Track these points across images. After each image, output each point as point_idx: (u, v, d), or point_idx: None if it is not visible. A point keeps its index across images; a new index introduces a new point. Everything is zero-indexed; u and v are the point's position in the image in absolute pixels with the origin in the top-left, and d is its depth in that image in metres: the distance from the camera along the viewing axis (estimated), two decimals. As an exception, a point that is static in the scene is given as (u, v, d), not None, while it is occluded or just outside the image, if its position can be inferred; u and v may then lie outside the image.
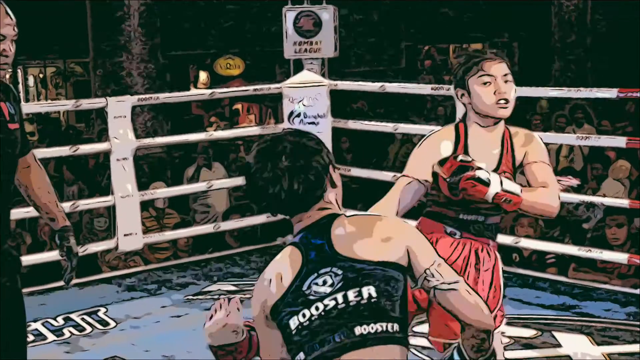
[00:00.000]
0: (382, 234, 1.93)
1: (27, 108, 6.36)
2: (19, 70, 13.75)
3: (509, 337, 4.15)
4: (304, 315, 1.86)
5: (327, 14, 6.40)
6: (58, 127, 12.40)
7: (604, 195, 6.28)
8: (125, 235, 5.46)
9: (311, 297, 1.86)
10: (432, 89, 6.16)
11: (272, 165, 1.92)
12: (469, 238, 2.76)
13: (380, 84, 6.12)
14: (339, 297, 1.85)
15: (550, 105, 9.94)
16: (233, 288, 5.33)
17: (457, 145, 2.77)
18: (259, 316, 1.95)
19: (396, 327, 1.86)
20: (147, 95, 6.60)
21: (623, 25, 11.94)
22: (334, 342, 1.83)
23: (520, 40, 13.95)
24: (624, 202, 5.40)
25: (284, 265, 1.93)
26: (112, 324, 4.73)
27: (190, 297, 5.17)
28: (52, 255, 5.64)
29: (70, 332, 4.62)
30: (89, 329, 4.66)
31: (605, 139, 6.22)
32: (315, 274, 1.88)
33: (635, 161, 7.52)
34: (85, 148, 6.19)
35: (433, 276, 1.95)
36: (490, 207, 2.74)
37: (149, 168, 8.23)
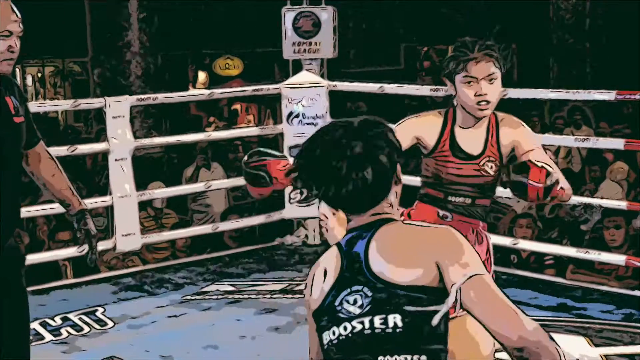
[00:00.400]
0: (421, 250, 1.80)
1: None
2: (17, 70, 13.75)
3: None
4: (333, 333, 1.82)
5: (326, 15, 6.40)
6: (56, 126, 12.40)
7: (602, 197, 6.28)
8: (123, 235, 5.46)
9: (341, 315, 1.81)
10: (431, 90, 6.16)
11: (341, 154, 1.81)
12: (461, 220, 2.85)
13: (379, 85, 6.12)
14: (366, 321, 1.79)
15: (549, 107, 9.94)
16: (231, 288, 5.33)
17: (444, 128, 2.88)
18: (308, 312, 1.92)
19: (423, 358, 1.76)
20: (146, 96, 6.59)
21: (622, 27, 11.94)
22: None
23: (519, 42, 13.96)
24: (622, 204, 5.41)
25: (329, 267, 1.87)
26: (110, 324, 4.72)
27: (189, 297, 5.17)
28: (50, 255, 5.65)
29: (68, 332, 4.62)
30: (86, 328, 4.66)
31: (604, 141, 6.22)
32: (348, 290, 1.82)
33: (633, 163, 7.53)
34: (84, 148, 6.19)
35: (451, 298, 1.77)
36: (477, 190, 2.86)
37: (148, 168, 8.22)
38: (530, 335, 1.68)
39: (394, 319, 1.76)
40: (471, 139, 2.85)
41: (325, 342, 1.83)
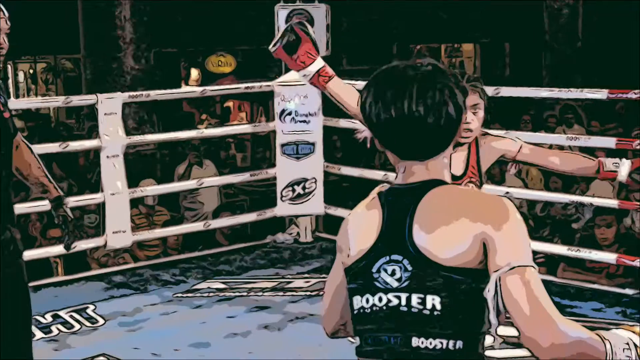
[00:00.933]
0: (469, 223, 1.67)
1: (17, 104, 6.35)
2: (8, 66, 13.69)
3: (499, 336, 4.16)
4: (367, 301, 1.73)
5: (319, 13, 6.39)
6: (48, 123, 12.37)
7: (594, 196, 6.30)
8: (114, 232, 5.45)
9: (377, 284, 1.72)
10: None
11: (406, 93, 1.70)
12: None
13: (371, 82, 6.12)
14: (403, 298, 1.69)
15: (541, 106, 9.96)
16: (223, 286, 5.32)
17: None
18: (338, 257, 1.86)
19: (459, 344, 1.67)
20: (138, 92, 6.58)
21: (614, 26, 11.97)
22: (389, 344, 1.71)
23: (512, 41, 13.97)
24: (613, 203, 5.42)
25: (368, 222, 1.76)
26: (101, 321, 4.72)
27: (180, 294, 5.16)
28: (42, 252, 5.64)
29: (58, 329, 4.61)
30: (77, 326, 4.65)
31: (595, 140, 6.24)
32: (387, 258, 1.71)
33: (625, 162, 7.54)
34: (75, 145, 6.18)
35: (488, 287, 1.65)
36: None
37: (140, 165, 8.21)
38: (567, 348, 1.55)
39: (433, 301, 1.67)
40: (453, 161, 2.93)
41: (356, 307, 1.75)
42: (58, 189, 3.09)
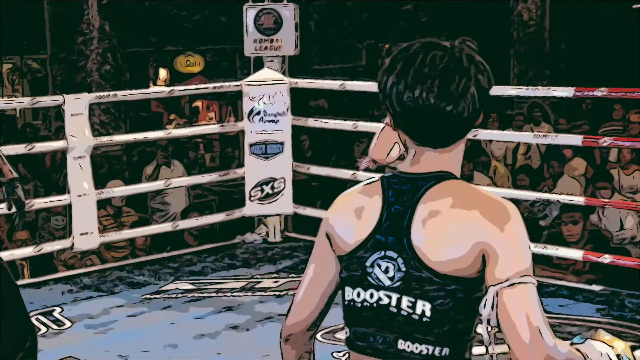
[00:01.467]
0: (470, 228, 1.61)
1: (-18, 105, 6.25)
2: (-25, 67, 13.54)
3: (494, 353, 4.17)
4: (358, 295, 1.69)
5: (288, 12, 6.37)
6: (14, 124, 12.24)
7: (561, 193, 6.34)
8: (81, 234, 5.40)
9: (370, 280, 1.67)
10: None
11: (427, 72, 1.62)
12: None
13: (340, 82, 6.13)
14: (394, 298, 1.65)
15: (509, 104, 10.02)
16: (191, 287, 5.30)
17: None
18: (324, 239, 1.76)
19: (446, 351, 1.63)
20: (105, 93, 6.53)
21: (582, 25, 12.07)
22: (375, 342, 1.68)
23: (481, 39, 14.04)
24: (580, 200, 5.46)
25: (366, 207, 1.69)
26: (68, 324, 4.68)
27: (148, 296, 5.13)
28: (8, 254, 5.56)
29: (24, 332, 4.55)
30: (44, 329, 4.60)
31: (562, 138, 6.28)
32: (382, 253, 1.66)
33: (591, 159, 7.62)
34: (42, 146, 6.12)
35: (484, 301, 1.59)
36: None
37: (107, 166, 8.16)
38: None
39: (423, 307, 1.63)
40: None
41: (347, 298, 1.71)
42: (13, 172, 3.08)
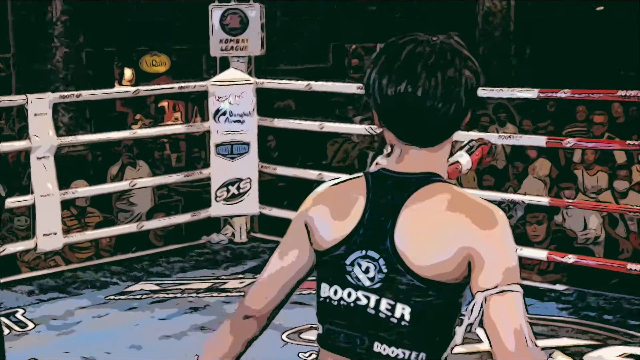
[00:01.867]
0: (457, 234, 1.57)
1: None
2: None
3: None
4: (335, 293, 1.64)
5: (254, 12, 6.36)
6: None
7: (525, 194, 6.39)
8: (44, 235, 5.35)
9: (349, 279, 1.62)
10: (357, 88, 6.19)
11: (416, 69, 1.58)
12: None
13: (306, 82, 6.13)
14: (372, 299, 1.61)
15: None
16: (156, 288, 5.26)
17: None
18: (301, 228, 1.71)
19: (422, 356, 1.60)
20: (69, 93, 6.46)
21: (547, 26, 12.18)
22: (350, 342, 1.64)
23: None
24: (544, 200, 5.51)
25: (348, 203, 1.65)
26: (31, 325, 4.63)
27: (112, 297, 5.09)
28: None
29: (-14, 334, 4.50)
30: (6, 330, 4.53)
31: (526, 138, 6.34)
32: (363, 253, 1.62)
33: (555, 160, 7.69)
34: (5, 146, 6.04)
35: (472, 307, 1.56)
36: None
37: (72, 166, 8.09)
38: None
39: (403, 310, 1.58)
40: None
41: (322, 295, 1.67)
42: None
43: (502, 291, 1.53)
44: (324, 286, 1.66)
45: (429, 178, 1.62)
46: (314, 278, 1.73)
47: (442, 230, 1.58)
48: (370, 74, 1.63)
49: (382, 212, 1.61)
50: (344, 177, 1.74)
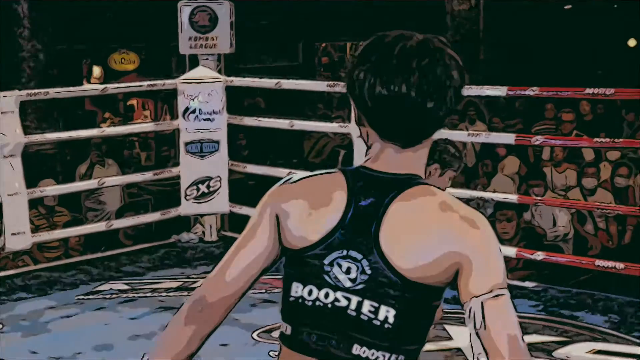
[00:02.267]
0: (444, 239, 1.55)
1: None
2: None
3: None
4: (309, 293, 1.58)
5: (223, 10, 6.34)
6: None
7: (494, 191, 6.43)
8: (12, 234, 5.30)
9: (327, 278, 1.57)
10: (327, 85, 6.19)
11: (403, 67, 1.55)
12: None
13: (275, 80, 6.12)
14: (353, 301, 1.56)
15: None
16: (126, 287, 5.23)
17: None
18: (270, 218, 1.65)
19: (401, 358, 1.57)
20: (37, 90, 6.39)
21: (516, 23, 12.25)
22: (325, 344, 1.58)
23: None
24: (513, 198, 5.54)
25: (331, 201, 1.59)
26: (-1, 325, 4.58)
27: (81, 297, 5.05)
28: None
29: (-47, 335, 4.45)
30: (-27, 331, 4.50)
31: (495, 136, 6.37)
32: (345, 252, 1.57)
33: (524, 157, 7.73)
34: (-29, 144, 5.97)
35: (473, 314, 1.53)
36: None
37: (39, 165, 8.01)
38: None
39: (387, 313, 1.55)
40: None
41: (293, 294, 1.60)
42: None
43: (497, 295, 1.53)
44: (296, 285, 1.60)
45: (413, 180, 1.60)
46: (279, 276, 1.67)
47: (429, 233, 1.55)
48: (357, 72, 1.59)
49: (367, 214, 1.57)
50: (318, 171, 1.68)
